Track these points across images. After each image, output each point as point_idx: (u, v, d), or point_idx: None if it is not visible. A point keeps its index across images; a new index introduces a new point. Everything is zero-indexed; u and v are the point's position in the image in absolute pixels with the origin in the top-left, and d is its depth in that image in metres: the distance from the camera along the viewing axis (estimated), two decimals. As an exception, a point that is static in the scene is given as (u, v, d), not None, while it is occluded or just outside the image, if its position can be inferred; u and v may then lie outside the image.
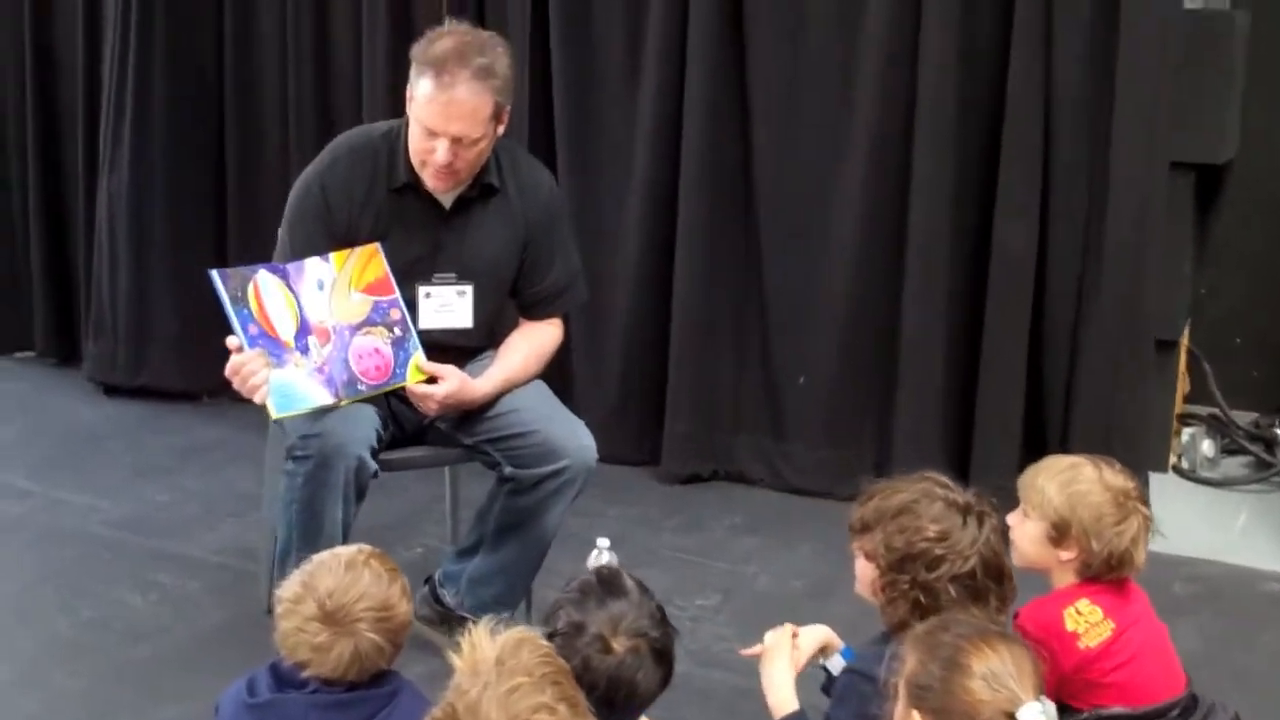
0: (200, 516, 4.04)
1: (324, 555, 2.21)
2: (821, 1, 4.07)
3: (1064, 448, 3.95)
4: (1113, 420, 3.89)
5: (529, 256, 3.09)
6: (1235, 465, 4.63)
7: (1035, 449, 4.00)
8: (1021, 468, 3.92)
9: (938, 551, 2.29)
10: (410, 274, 2.98)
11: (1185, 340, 4.44)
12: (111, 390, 5.06)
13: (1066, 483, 2.55)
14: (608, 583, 2.15)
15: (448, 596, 3.17)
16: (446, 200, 2.99)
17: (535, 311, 3.16)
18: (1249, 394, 4.75)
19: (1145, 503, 2.55)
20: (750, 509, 4.20)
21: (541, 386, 3.13)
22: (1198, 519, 4.10)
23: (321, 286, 2.84)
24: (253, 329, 2.76)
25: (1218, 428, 4.66)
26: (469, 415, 3.01)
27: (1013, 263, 3.92)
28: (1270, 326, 4.82)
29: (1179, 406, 4.57)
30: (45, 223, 5.23)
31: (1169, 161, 3.83)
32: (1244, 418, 4.70)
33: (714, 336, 4.30)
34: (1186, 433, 4.56)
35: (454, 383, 2.94)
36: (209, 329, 4.95)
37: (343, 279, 2.88)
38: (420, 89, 2.84)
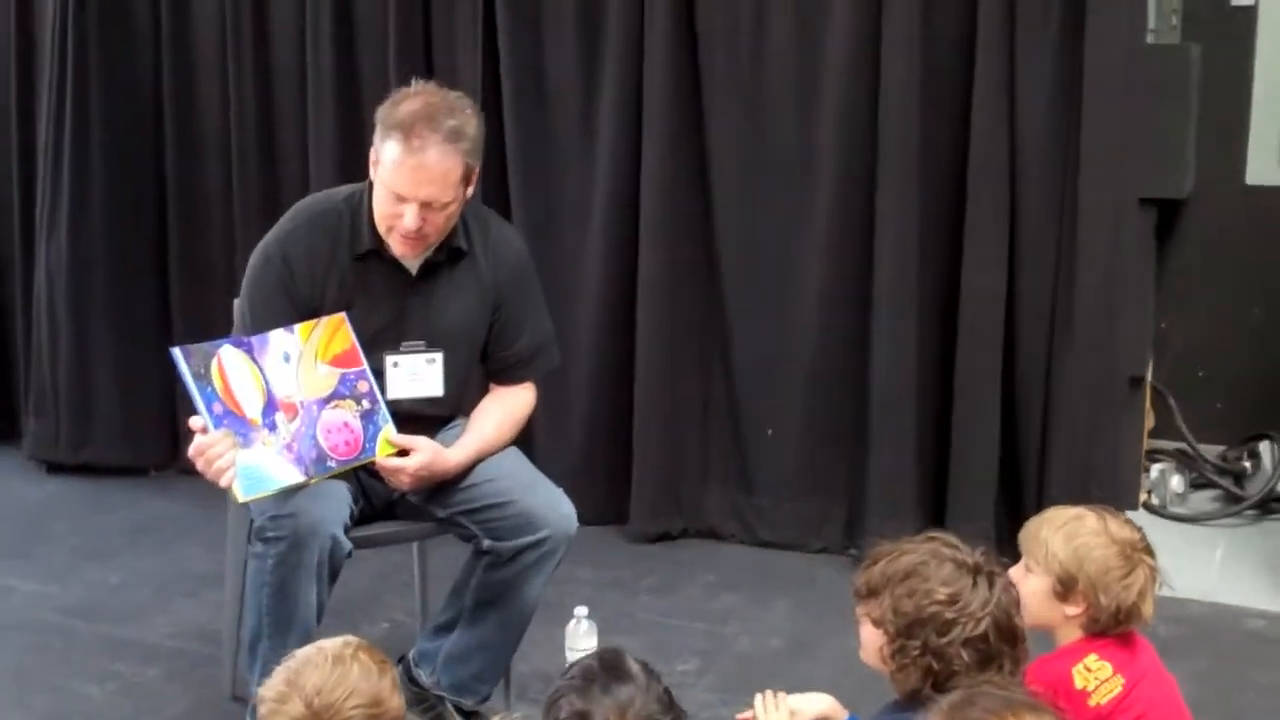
0: (152, 599, 3.88)
1: (309, 650, 2.09)
2: (778, 50, 4.02)
3: (1040, 491, 3.91)
4: (1091, 460, 3.83)
5: (499, 321, 2.99)
6: (1204, 500, 4.61)
7: (1012, 494, 3.97)
8: (999, 513, 3.96)
9: (948, 615, 2.20)
10: (377, 343, 2.87)
11: (1148, 376, 4.41)
12: (54, 468, 4.90)
13: (1071, 535, 2.48)
14: (611, 666, 2.04)
15: (423, 676, 3.05)
16: (413, 266, 2.89)
17: (506, 377, 3.05)
18: (1213, 428, 4.73)
19: (1151, 554, 2.49)
20: (723, 565, 4.10)
21: (516, 454, 3.02)
22: (1174, 556, 3.97)
23: (288, 359, 2.72)
24: (217, 407, 2.63)
25: (1186, 463, 4.63)
26: (442, 487, 2.90)
27: (982, 306, 3.86)
28: (1231, 359, 4.80)
29: (1145, 443, 4.54)
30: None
31: (1137, 198, 3.79)
32: (1210, 451, 4.69)
33: (678, 393, 4.22)
34: (1155, 469, 4.54)
35: (426, 454, 2.83)
36: (152, 402, 4.90)
37: (309, 351, 2.76)
38: (387, 153, 2.73)
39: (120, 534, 4.37)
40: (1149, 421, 4.58)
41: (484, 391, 3.07)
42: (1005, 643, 2.22)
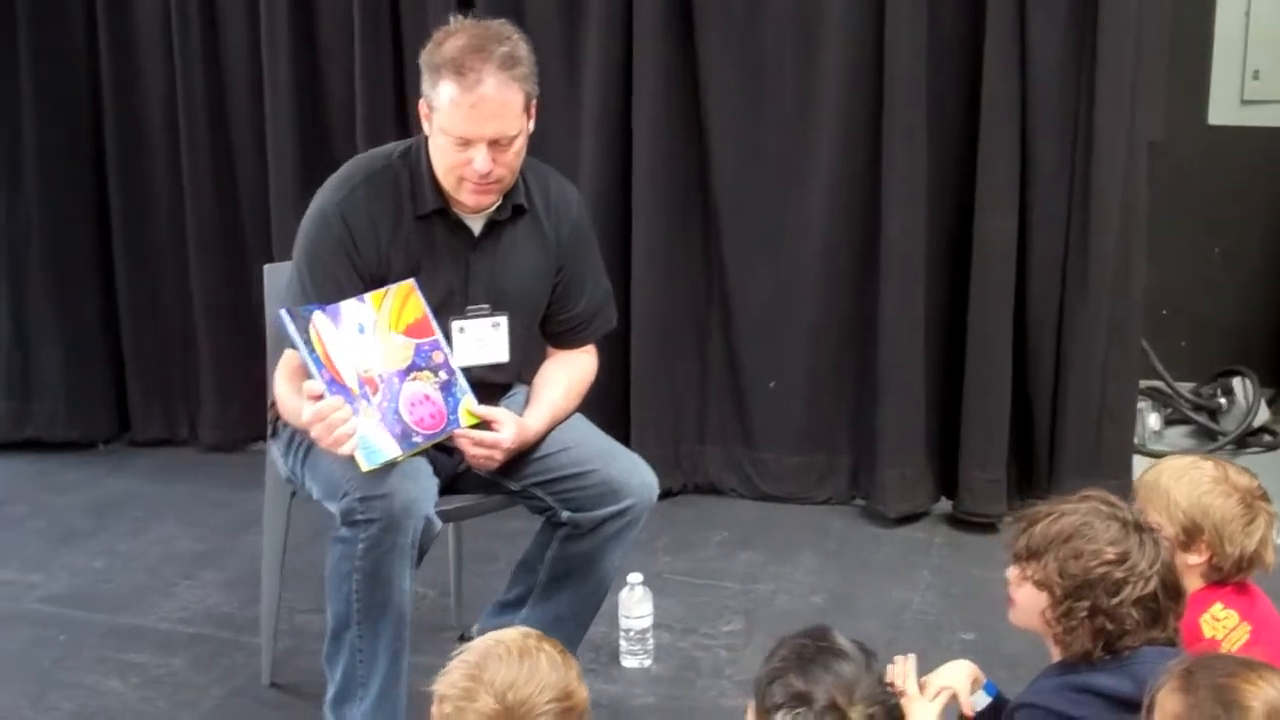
0: (147, 582, 3.65)
1: (485, 643, 1.95)
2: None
3: (1053, 436, 3.90)
4: (1106, 403, 3.82)
5: (561, 281, 2.84)
6: (1178, 435, 4.67)
7: (1023, 439, 3.95)
8: (1011, 460, 3.94)
9: (1118, 575, 2.15)
10: (443, 308, 2.70)
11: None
12: (-8, 446, 4.60)
13: (1194, 484, 2.46)
14: (825, 644, 1.94)
15: (491, 654, 2.91)
16: (476, 224, 2.72)
17: (567, 339, 2.91)
18: (1180, 365, 4.77)
19: (1268, 500, 2.48)
20: (731, 521, 4.02)
21: (586, 421, 2.89)
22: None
23: (362, 330, 2.54)
24: (324, 374, 2.45)
25: (1161, 400, 4.68)
26: (514, 458, 2.74)
27: (994, 252, 3.81)
28: (1194, 298, 4.85)
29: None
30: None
31: (1147, 141, 3.78)
32: (1180, 389, 4.74)
33: (676, 346, 4.11)
34: (1134, 407, 4.57)
35: (512, 426, 2.68)
36: (98, 371, 4.61)
37: (382, 321, 2.58)
38: (442, 96, 2.55)
39: (84, 514, 4.10)
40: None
41: (543, 357, 2.93)
42: (1171, 599, 2.19)
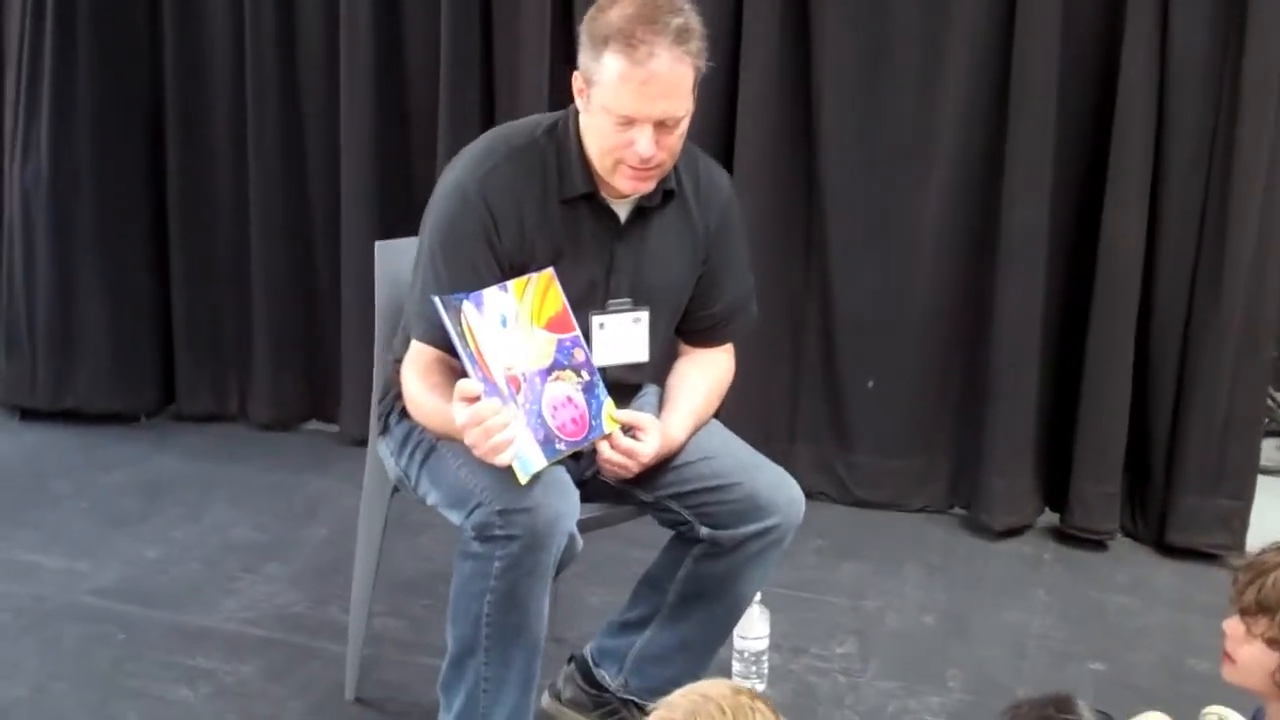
0: (208, 576, 3.39)
1: (691, 699, 1.68)
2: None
3: (1170, 453, 3.65)
4: (1230, 422, 3.58)
5: (706, 273, 2.58)
6: (1271, 449, 4.43)
7: (1139, 455, 3.71)
8: (1125, 473, 3.70)
9: (1366, 633, 1.92)
10: (583, 301, 2.43)
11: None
12: (29, 415, 4.33)
13: None
14: (1069, 717, 1.69)
15: (608, 678, 2.66)
16: (622, 210, 2.45)
17: (706, 337, 2.64)
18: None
19: None
20: (825, 528, 3.75)
21: (725, 429, 2.63)
22: (1267, 508, 3.80)
23: (505, 324, 2.28)
24: (478, 372, 2.19)
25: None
26: (651, 467, 2.49)
27: (1122, 254, 3.55)
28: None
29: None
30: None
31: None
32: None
33: (768, 338, 3.84)
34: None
35: (656, 435, 2.42)
36: (144, 338, 4.34)
37: (524, 313, 2.32)
38: (607, 69, 2.27)
39: (133, 495, 3.85)
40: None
41: (675, 355, 2.67)
42: None
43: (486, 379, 2.18)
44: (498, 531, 2.23)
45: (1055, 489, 3.78)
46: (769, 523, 2.47)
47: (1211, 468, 3.60)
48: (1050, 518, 3.83)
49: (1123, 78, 3.49)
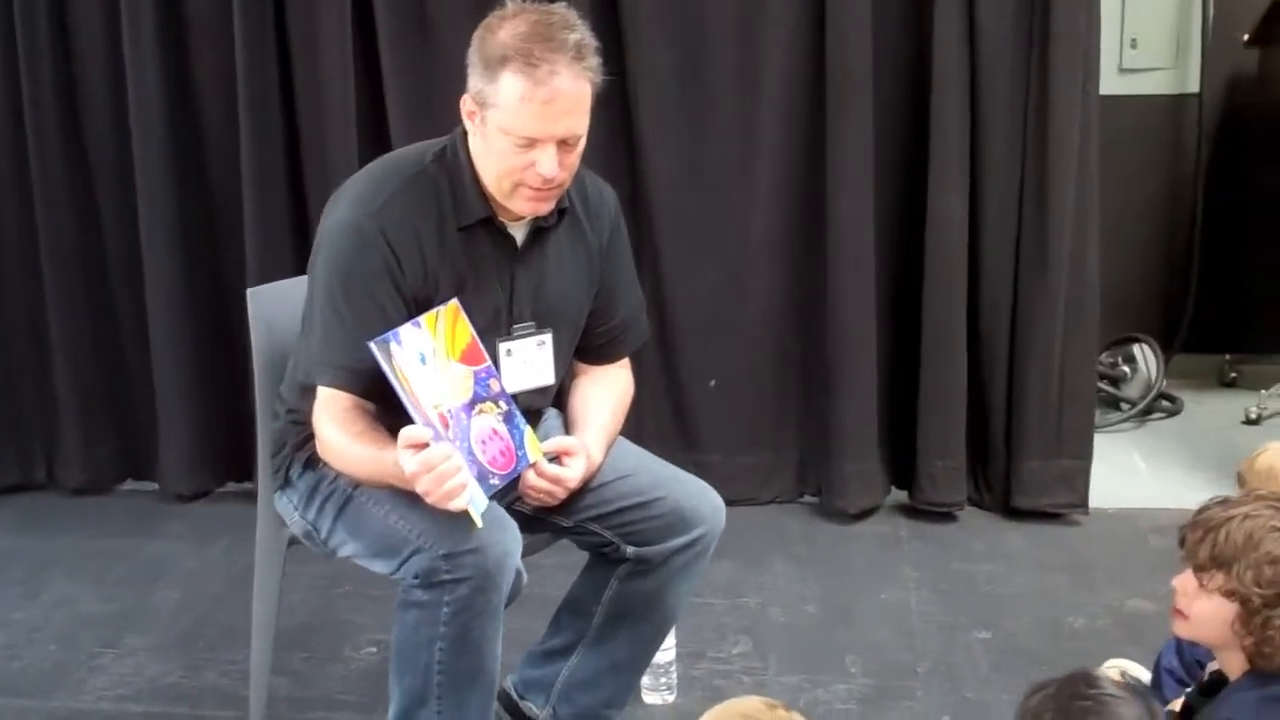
0: (66, 655, 3.17)
1: (728, 714, 1.67)
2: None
3: (1009, 422, 3.79)
4: (1065, 388, 3.73)
5: (601, 288, 2.54)
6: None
7: (978, 428, 3.82)
8: (969, 449, 3.82)
9: (1320, 576, 2.02)
10: (489, 329, 2.37)
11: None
12: None
13: None
14: (1097, 691, 1.72)
15: (534, 708, 2.61)
16: (519, 232, 2.40)
17: (604, 354, 2.60)
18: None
19: None
20: (684, 531, 3.77)
21: (633, 445, 2.61)
22: (1101, 467, 4.00)
23: (424, 360, 2.20)
24: (419, 415, 2.10)
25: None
26: (567, 490, 2.44)
27: (947, 239, 3.66)
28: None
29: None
30: None
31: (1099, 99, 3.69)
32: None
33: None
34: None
35: (582, 459, 2.37)
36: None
37: (440, 349, 2.24)
38: (505, 91, 2.20)
39: (-42, 577, 3.59)
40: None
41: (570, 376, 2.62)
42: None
43: (425, 420, 2.11)
44: (445, 576, 2.15)
45: (901, 467, 3.88)
46: (695, 534, 2.46)
47: (1051, 431, 3.75)
48: (898, 495, 3.93)
49: (935, 63, 3.59)
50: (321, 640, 3.21)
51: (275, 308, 2.55)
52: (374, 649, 3.17)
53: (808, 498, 3.98)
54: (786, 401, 3.91)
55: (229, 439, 4.04)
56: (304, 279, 2.53)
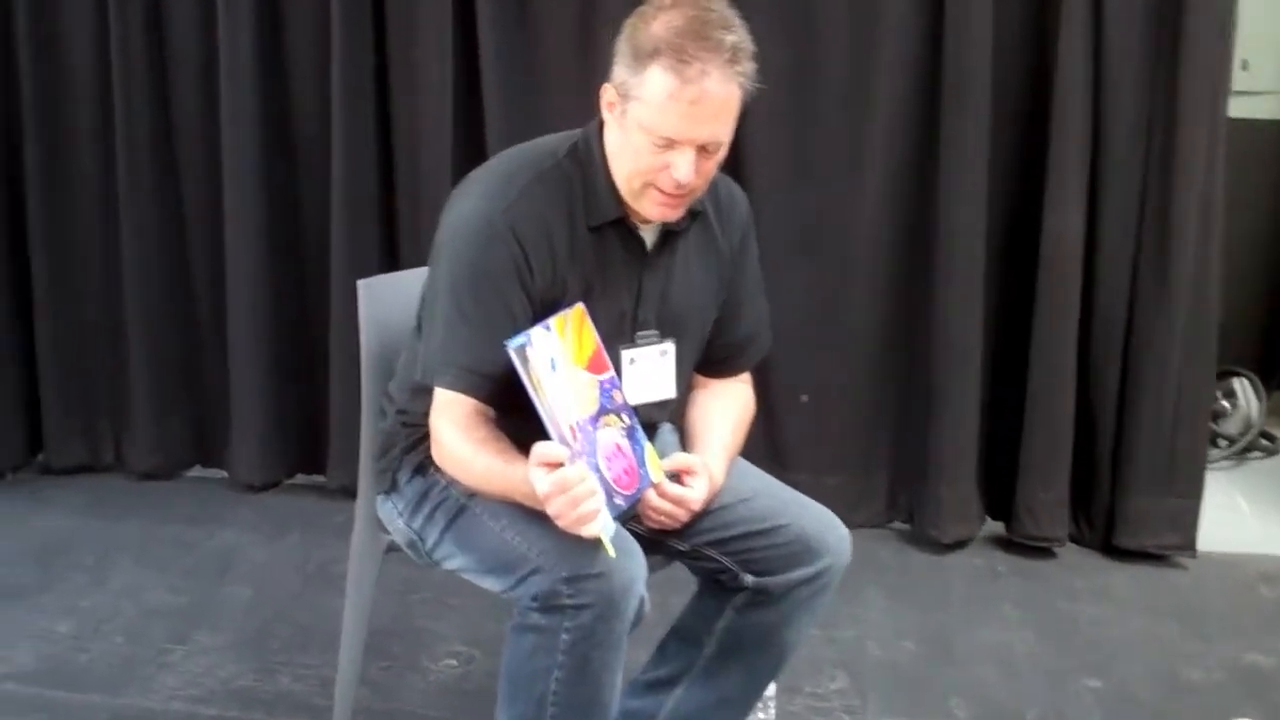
0: (135, 650, 3.05)
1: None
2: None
3: (1116, 454, 3.63)
4: (1179, 418, 3.56)
5: (728, 296, 2.40)
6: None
7: (1084, 458, 3.66)
8: (1075, 478, 3.66)
9: None
10: (613, 336, 2.23)
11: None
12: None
13: None
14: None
15: (634, 742, 2.47)
16: (649, 235, 2.26)
17: (726, 367, 2.46)
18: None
19: None
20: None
21: (755, 467, 2.46)
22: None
23: (554, 367, 2.06)
24: (554, 429, 1.97)
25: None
26: (685, 512, 2.30)
27: (1062, 257, 3.50)
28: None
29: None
30: None
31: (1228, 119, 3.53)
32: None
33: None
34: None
35: (705, 479, 2.23)
36: (7, 390, 3.92)
37: (568, 354, 2.10)
38: (650, 86, 2.06)
39: (23, 562, 3.47)
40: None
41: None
42: None
43: (559, 432, 1.97)
44: (566, 601, 2.01)
45: (998, 497, 3.72)
46: (820, 565, 2.31)
47: (1160, 467, 3.58)
48: (993, 526, 3.77)
49: (1059, 73, 3.44)
50: (400, 649, 3.07)
51: (387, 301, 2.42)
52: (454, 661, 3.04)
53: (897, 524, 3.82)
54: (881, 420, 3.76)
55: (302, 429, 3.93)
56: (414, 272, 2.41)
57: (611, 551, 1.96)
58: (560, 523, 1.94)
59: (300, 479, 4.01)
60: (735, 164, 3.57)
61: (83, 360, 3.98)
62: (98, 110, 3.82)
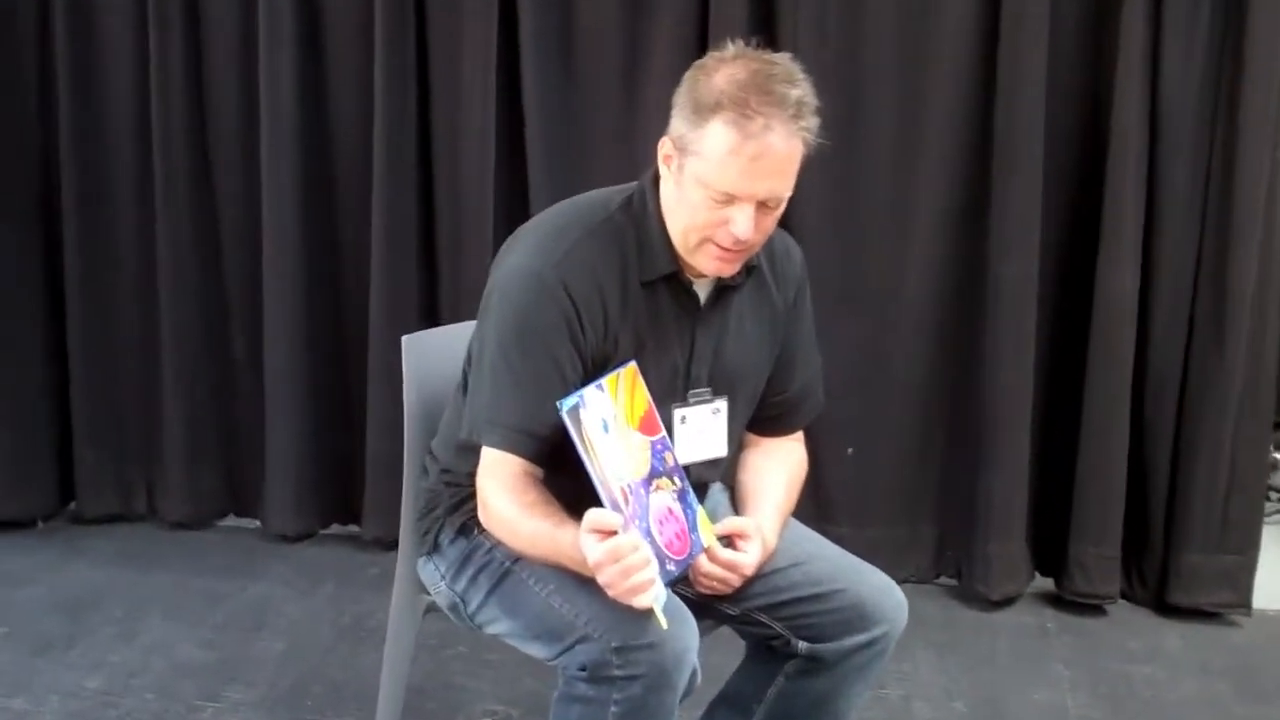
0: (166, 707, 2.98)
1: None
2: (875, 20, 3.48)
3: (1170, 511, 3.54)
4: (1235, 477, 3.48)
5: (782, 353, 2.34)
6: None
7: (1136, 514, 3.57)
8: (1128, 534, 3.57)
9: None
10: (665, 394, 2.17)
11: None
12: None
13: None
14: None
15: (679, 814, 2.38)
16: (703, 289, 2.20)
17: (779, 425, 2.39)
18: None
19: None
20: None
21: (808, 529, 2.39)
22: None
23: (607, 429, 1.99)
24: (606, 494, 1.90)
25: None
26: (738, 577, 2.22)
27: (1116, 311, 3.43)
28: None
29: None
30: None
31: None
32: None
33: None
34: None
35: (759, 543, 2.16)
36: (38, 438, 3.88)
37: (620, 415, 2.04)
38: (711, 140, 2.01)
39: (52, 614, 3.41)
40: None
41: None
42: None
43: (610, 497, 1.90)
44: (616, 672, 1.94)
45: (1048, 552, 3.64)
46: (876, 632, 2.24)
47: (1215, 524, 3.50)
48: (1042, 583, 3.68)
49: (1114, 125, 3.38)
50: (435, 706, 3.00)
51: (432, 356, 2.36)
52: (490, 720, 2.97)
53: (944, 579, 3.74)
54: (928, 473, 3.69)
55: (337, 480, 3.88)
56: (459, 327, 2.36)
57: (664, 622, 1.89)
58: (611, 592, 1.87)
59: (335, 529, 3.95)
60: (784, 215, 3.53)
61: (116, 408, 3.93)
62: (136, 149, 3.79)
